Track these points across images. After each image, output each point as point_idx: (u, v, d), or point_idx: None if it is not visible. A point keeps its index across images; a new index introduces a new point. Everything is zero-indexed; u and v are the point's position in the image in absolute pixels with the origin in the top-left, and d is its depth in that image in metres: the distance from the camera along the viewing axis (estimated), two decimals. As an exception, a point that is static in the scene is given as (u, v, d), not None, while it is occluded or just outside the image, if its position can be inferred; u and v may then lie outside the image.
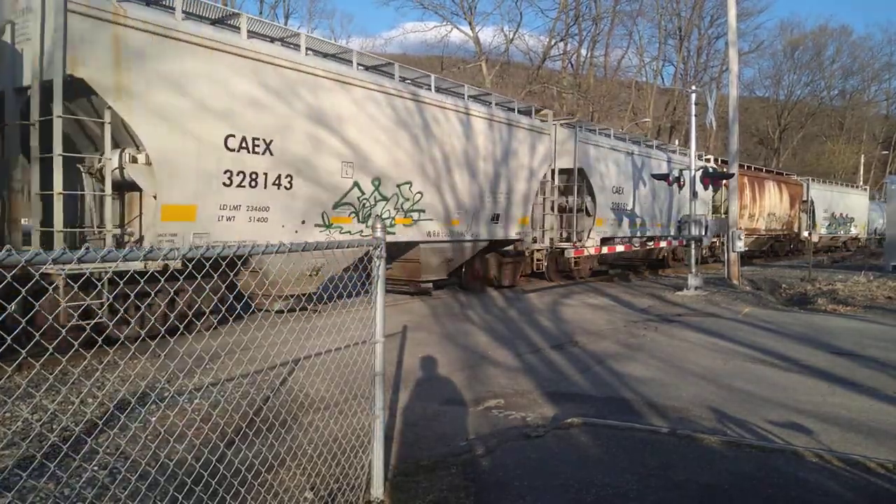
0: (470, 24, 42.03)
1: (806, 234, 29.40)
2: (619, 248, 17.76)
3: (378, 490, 3.50)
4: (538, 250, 15.67)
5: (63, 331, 2.45)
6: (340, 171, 10.05)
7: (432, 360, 7.31)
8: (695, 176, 15.38)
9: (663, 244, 20.73)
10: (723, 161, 23.43)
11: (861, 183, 55.17)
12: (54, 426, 4.84)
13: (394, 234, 10.96)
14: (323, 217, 9.84)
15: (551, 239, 15.97)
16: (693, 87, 18.08)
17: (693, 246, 15.08)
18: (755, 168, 28.46)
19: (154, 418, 4.85)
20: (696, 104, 16.30)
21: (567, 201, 16.24)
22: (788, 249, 30.77)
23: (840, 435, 4.84)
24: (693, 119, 16.19)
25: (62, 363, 2.65)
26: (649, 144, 20.27)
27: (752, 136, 61.71)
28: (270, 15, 40.20)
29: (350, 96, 10.13)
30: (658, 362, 7.33)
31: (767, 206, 27.25)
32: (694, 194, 15.53)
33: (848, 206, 35.13)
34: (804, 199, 30.76)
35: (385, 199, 10.91)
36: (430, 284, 12.75)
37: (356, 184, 10.32)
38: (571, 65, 45.98)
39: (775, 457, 4.12)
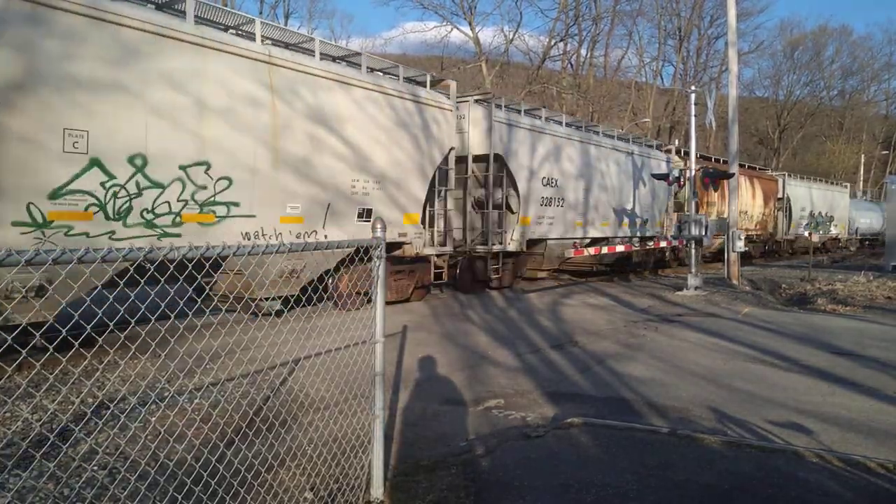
0: (470, 24, 42.05)
1: (786, 233, 28.37)
2: (620, 248, 17.64)
3: (378, 490, 3.50)
4: (439, 256, 12.47)
5: (63, 331, 2.45)
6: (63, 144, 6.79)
7: (432, 359, 7.31)
8: (695, 176, 15.39)
9: (621, 247, 18.48)
10: (702, 156, 23.08)
11: (861, 183, 55.21)
12: (54, 426, 4.84)
13: (178, 235, 7.85)
14: (29, 210, 6.59)
15: (463, 241, 13.83)
16: (693, 88, 18.08)
17: (693, 246, 15.09)
18: (724, 161, 26.51)
19: (154, 418, 4.85)
20: (695, 104, 16.31)
21: (484, 195, 14.00)
22: (763, 251, 28.63)
23: (840, 435, 4.83)
24: (693, 119, 16.20)
25: (62, 363, 2.65)
26: (609, 134, 18.38)
27: (751, 136, 61.73)
28: (270, 15, 40.20)
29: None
30: (658, 362, 7.33)
31: (738, 204, 26.07)
32: (694, 194, 15.54)
33: (827, 205, 33.28)
34: (779, 196, 28.63)
35: (158, 186, 7.66)
36: (278, 304, 9.01)
37: (95, 163, 7.02)
38: (571, 65, 46.00)
39: (775, 457, 4.12)
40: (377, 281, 3.38)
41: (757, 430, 4.89)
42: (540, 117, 15.58)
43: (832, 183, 35.42)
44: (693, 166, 15.57)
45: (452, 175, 12.77)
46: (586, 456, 4.16)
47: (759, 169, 30.98)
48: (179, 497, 3.10)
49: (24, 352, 2.23)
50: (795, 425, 5.01)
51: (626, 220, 18.66)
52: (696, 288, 14.34)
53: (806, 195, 30.95)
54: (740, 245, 16.31)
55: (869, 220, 39.97)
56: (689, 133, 16.23)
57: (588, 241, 16.99)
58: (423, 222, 12.04)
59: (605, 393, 6.02)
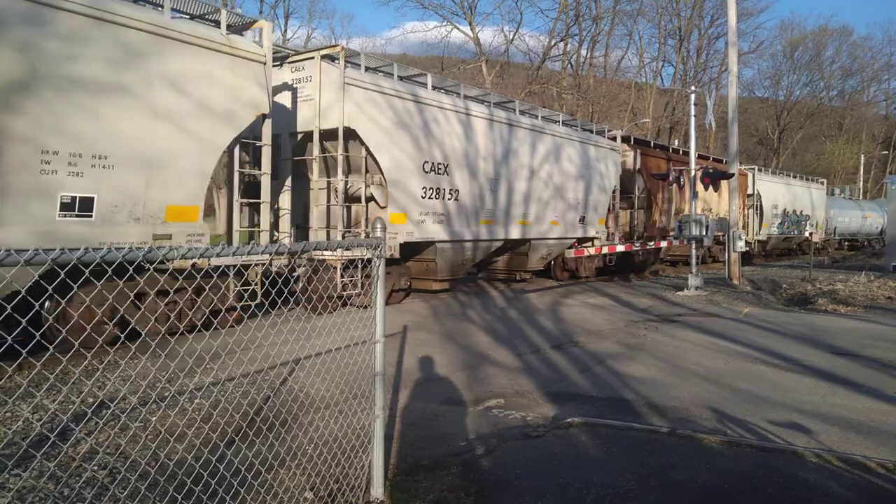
0: (470, 24, 42.05)
1: (757, 233, 26.06)
2: (620, 248, 17.67)
3: (378, 490, 3.50)
4: (245, 268, 9.03)
5: (63, 331, 2.45)
6: None
7: (432, 359, 7.31)
8: (695, 176, 15.39)
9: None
10: (657, 146, 21.61)
11: (861, 183, 55.06)
12: (55, 426, 4.84)
13: None
14: None
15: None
16: (693, 88, 18.08)
17: (693, 246, 15.10)
18: (684, 152, 22.37)
19: (154, 418, 4.85)
20: (695, 104, 16.31)
21: (328, 186, 11.18)
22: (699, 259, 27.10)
23: (840, 435, 4.83)
24: (692, 119, 16.20)
25: (63, 363, 2.66)
26: (530, 113, 15.35)
27: (751, 136, 61.74)
28: (270, 15, 40.21)
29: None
30: (658, 362, 7.33)
31: (700, 201, 21.71)
32: (694, 194, 15.54)
33: (803, 202, 30.49)
34: (749, 192, 25.65)
35: None
36: None
37: None
38: (571, 65, 46.02)
39: (775, 457, 4.12)
40: (377, 281, 3.38)
41: (757, 430, 4.89)
42: (425, 84, 12.39)
43: (808, 179, 32.47)
44: (693, 166, 15.57)
45: (267, 153, 9.46)
46: (586, 456, 4.16)
47: (727, 162, 29.39)
48: (180, 497, 3.10)
49: (24, 352, 2.23)
50: (795, 425, 5.01)
51: (554, 219, 15.84)
52: (696, 288, 14.34)
53: (779, 192, 28.13)
54: (741, 245, 16.31)
55: (847, 219, 36.92)
56: (689, 133, 16.23)
57: (500, 243, 14.19)
58: (228, 220, 9.62)
59: (606, 393, 6.02)
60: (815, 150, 65.74)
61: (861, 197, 49.00)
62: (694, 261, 14.99)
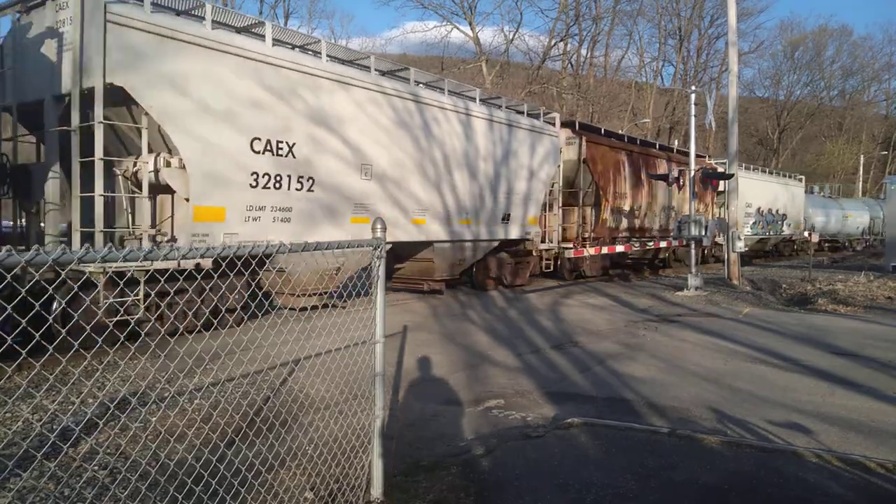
0: (470, 24, 42.07)
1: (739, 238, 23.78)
2: (620, 248, 17.64)
3: (378, 490, 3.50)
4: None
5: (63, 331, 2.45)
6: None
7: (432, 360, 7.31)
8: (695, 176, 15.39)
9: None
10: (609, 133, 18.82)
11: (860, 181, 55.02)
12: (54, 426, 4.84)
13: None
14: None
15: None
16: (693, 88, 18.09)
17: (693, 246, 15.10)
18: (641, 142, 20.64)
19: (154, 418, 4.85)
20: (695, 104, 16.32)
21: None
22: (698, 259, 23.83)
23: (840, 435, 4.84)
24: (692, 119, 16.20)
25: (62, 363, 2.66)
26: (435, 86, 12.45)
27: (751, 136, 61.74)
28: (270, 15, 40.20)
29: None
30: (658, 362, 7.33)
31: (661, 198, 20.07)
32: (693, 194, 15.54)
33: (780, 201, 27.93)
34: (720, 188, 22.35)
35: None
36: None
37: None
38: (571, 65, 46.03)
39: (775, 457, 4.12)
40: (377, 281, 3.38)
41: (757, 430, 4.89)
42: (263, 36, 8.98)
43: (786, 175, 30.17)
44: (693, 166, 15.57)
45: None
46: (586, 456, 4.16)
47: (699, 156, 24.74)
48: (180, 497, 3.10)
49: (23, 352, 2.23)
50: (795, 425, 5.01)
51: (466, 217, 13.02)
52: (696, 288, 14.34)
53: (753, 189, 25.22)
54: (740, 245, 16.31)
55: (825, 218, 34.29)
56: (689, 133, 16.23)
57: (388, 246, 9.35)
58: None
59: (605, 393, 6.02)
60: (815, 151, 65.74)
61: (861, 196, 48.82)
62: (693, 261, 14.99)
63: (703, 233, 14.89)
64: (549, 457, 4.16)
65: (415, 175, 11.60)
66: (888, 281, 15.22)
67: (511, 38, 44.10)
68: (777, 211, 27.53)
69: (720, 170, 22.70)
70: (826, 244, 34.97)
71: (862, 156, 58.13)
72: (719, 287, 15.41)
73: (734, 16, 17.09)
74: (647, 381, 6.42)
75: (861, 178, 56.69)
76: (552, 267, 16.30)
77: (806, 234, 25.92)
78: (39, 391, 5.56)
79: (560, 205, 16.33)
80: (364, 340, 3.54)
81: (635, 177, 18.69)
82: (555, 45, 43.84)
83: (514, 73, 45.36)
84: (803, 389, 6.18)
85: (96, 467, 3.95)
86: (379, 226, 3.38)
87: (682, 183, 16.28)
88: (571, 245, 16.43)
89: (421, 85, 12.21)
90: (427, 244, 12.34)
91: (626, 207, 18.44)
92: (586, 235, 17.03)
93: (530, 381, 6.46)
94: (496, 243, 14.25)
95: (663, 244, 19.85)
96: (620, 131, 23.66)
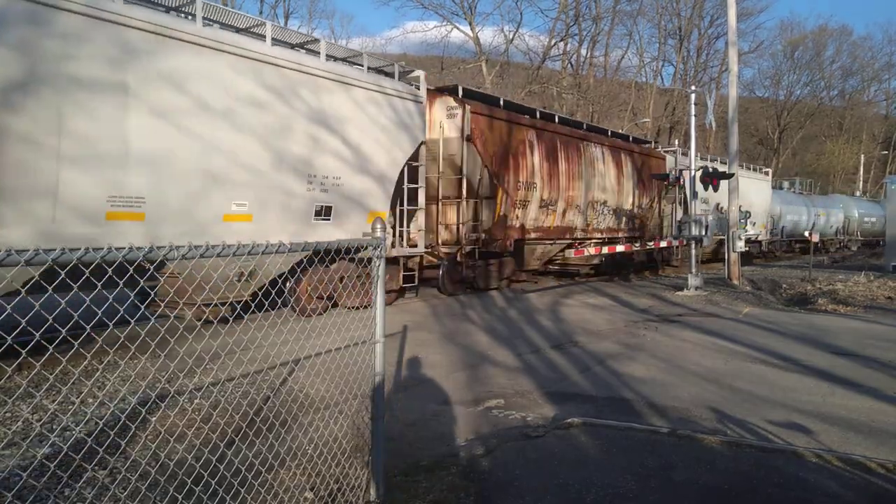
0: (470, 24, 42.05)
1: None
2: (620, 248, 17.54)
3: (378, 490, 3.50)
4: None
5: (63, 331, 2.45)
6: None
7: (432, 359, 7.31)
8: (695, 176, 15.39)
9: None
10: (508, 104, 14.90)
11: (860, 181, 54.95)
12: (54, 426, 4.84)
13: None
14: None
15: None
16: (693, 88, 18.08)
17: (693, 246, 15.10)
18: (564, 119, 17.08)
19: (154, 418, 4.85)
20: (695, 104, 16.32)
21: None
22: (639, 265, 19.47)
23: (840, 435, 4.83)
24: (693, 119, 16.20)
25: (62, 363, 2.65)
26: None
27: (751, 136, 61.74)
28: (270, 14, 40.20)
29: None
30: (658, 362, 7.33)
31: (596, 190, 16.85)
32: (694, 194, 15.53)
33: (743, 196, 21.76)
34: (669, 181, 19.11)
35: None
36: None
37: None
38: (571, 65, 46.01)
39: (775, 457, 4.12)
40: (377, 281, 3.38)
41: (757, 430, 4.89)
42: None
43: (748, 168, 26.34)
44: (693, 166, 15.57)
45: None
46: (586, 456, 4.16)
47: (639, 142, 20.58)
48: (180, 497, 3.10)
49: (24, 352, 2.23)
50: (795, 425, 5.01)
51: (244, 209, 8.73)
52: (696, 288, 14.35)
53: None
54: (741, 245, 16.31)
55: (797, 216, 30.77)
56: (689, 133, 16.23)
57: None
58: None
59: (605, 393, 6.02)
60: (816, 150, 65.74)
61: (862, 196, 48.48)
62: (694, 261, 14.98)
63: (704, 233, 14.90)
64: (549, 457, 4.16)
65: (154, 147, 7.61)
66: (888, 281, 15.22)
67: (511, 38, 44.10)
68: (740, 207, 23.93)
69: (670, 160, 20.49)
70: (797, 244, 31.67)
71: (862, 155, 58.11)
72: (719, 287, 15.41)
73: (734, 16, 17.09)
74: (647, 381, 6.42)
75: (861, 178, 56.66)
76: (416, 279, 12.14)
77: (807, 233, 24.83)
78: (39, 391, 5.56)
79: (441, 197, 13.23)
80: (364, 340, 3.54)
81: (554, 163, 15.14)
82: (555, 45, 43.85)
83: (514, 73, 45.34)
84: (803, 389, 6.18)
85: (96, 467, 3.95)
86: (379, 226, 3.38)
87: (682, 182, 16.24)
88: (455, 249, 13.30)
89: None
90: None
91: (540, 201, 14.69)
92: (477, 237, 13.38)
93: (530, 380, 6.46)
94: (306, 255, 8.64)
95: (619, 248, 16.61)
96: (621, 129, 21.90)
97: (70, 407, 5.23)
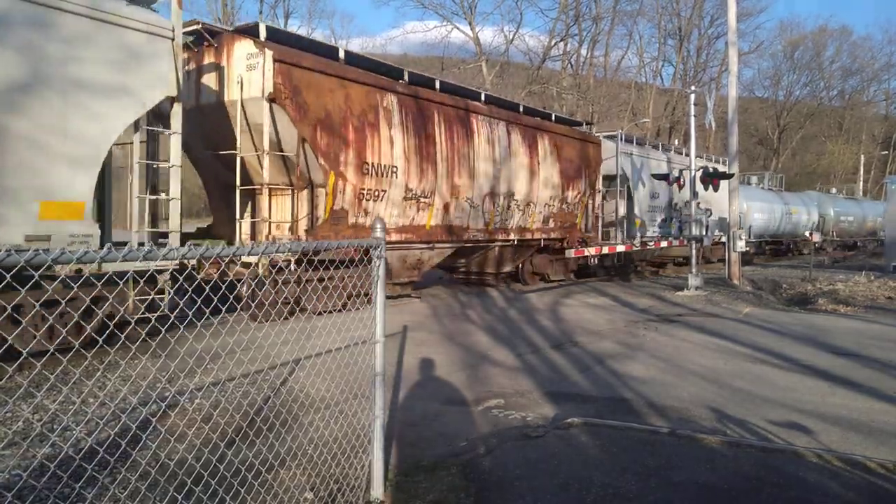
0: (470, 24, 42.09)
1: (626, 237, 17.50)
2: (620, 248, 17.52)
3: (378, 490, 3.50)
4: None
5: (63, 331, 2.45)
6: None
7: (432, 359, 7.31)
8: (695, 176, 15.40)
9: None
10: (351, 57, 10.66)
11: (861, 181, 54.83)
12: (55, 426, 4.85)
13: None
14: None
15: None
16: (692, 88, 18.09)
17: (693, 246, 15.11)
18: (445, 85, 12.89)
19: (155, 418, 4.85)
20: (695, 104, 16.32)
21: None
22: (565, 275, 16.58)
23: (840, 435, 4.83)
24: (692, 119, 16.20)
25: (63, 363, 2.66)
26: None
27: (751, 136, 61.74)
28: (270, 15, 40.20)
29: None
30: (658, 362, 7.33)
31: (499, 181, 13.42)
32: (694, 194, 15.54)
33: (699, 192, 19.08)
34: (611, 172, 16.92)
35: None
36: None
37: None
38: (571, 65, 46.06)
39: (775, 457, 4.12)
40: (377, 281, 3.38)
41: (757, 430, 4.89)
42: None
43: (708, 159, 22.96)
44: (694, 166, 15.57)
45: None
46: (586, 456, 4.16)
47: (566, 122, 16.77)
48: (180, 497, 3.10)
49: (24, 352, 2.23)
50: (796, 425, 5.01)
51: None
52: (696, 288, 14.35)
53: (653, 171, 18.48)
54: (741, 245, 16.31)
55: (766, 214, 27.09)
56: (689, 133, 16.23)
57: None
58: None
59: (606, 393, 6.02)
60: (816, 151, 65.74)
61: (862, 196, 48.28)
62: (694, 261, 14.99)
63: (704, 232, 14.90)
64: (550, 457, 4.16)
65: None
66: (888, 281, 15.22)
67: (511, 38, 44.17)
68: (698, 204, 20.83)
69: (608, 146, 17.19)
70: (767, 246, 29.31)
71: (862, 156, 58.09)
72: (719, 287, 15.41)
73: (734, 16, 17.09)
74: (648, 381, 6.42)
75: (861, 178, 56.65)
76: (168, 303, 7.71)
77: (807, 233, 23.89)
78: (40, 391, 5.56)
79: (267, 184, 9.56)
80: (364, 340, 3.54)
81: (428, 142, 11.56)
82: (555, 45, 43.89)
83: (514, 73, 45.38)
84: (804, 389, 6.18)
85: (96, 467, 3.95)
86: (379, 225, 3.38)
87: (682, 182, 16.21)
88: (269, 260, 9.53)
89: None
90: None
91: (405, 192, 11.29)
92: (304, 231, 9.99)
93: (530, 380, 6.46)
94: None
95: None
96: (621, 129, 19.52)
97: (70, 407, 5.23)
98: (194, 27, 9.51)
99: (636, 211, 18.03)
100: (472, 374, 6.69)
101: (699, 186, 15.17)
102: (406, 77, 11.87)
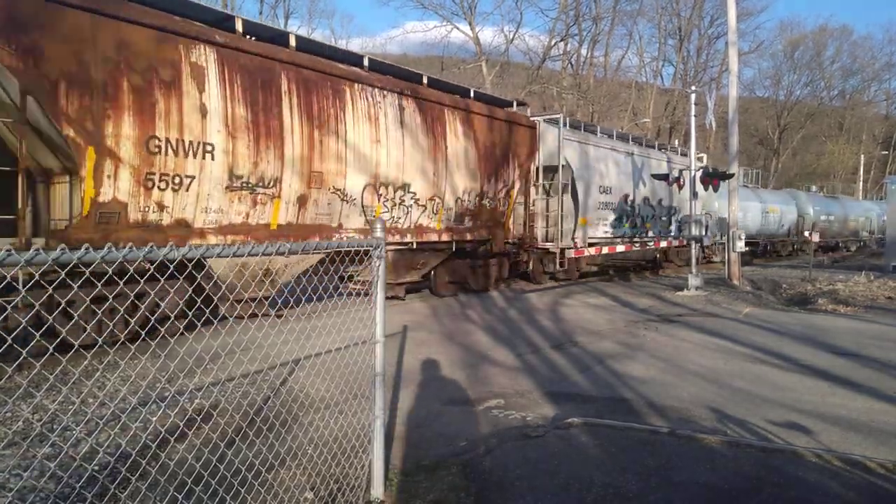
0: (470, 24, 42.04)
1: (572, 237, 15.12)
2: (620, 248, 17.52)
3: (378, 490, 3.50)
4: None
5: (63, 331, 2.45)
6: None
7: (433, 359, 7.31)
8: (695, 176, 15.39)
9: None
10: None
11: (861, 181, 54.75)
12: (55, 426, 4.84)
13: None
14: None
15: None
16: (693, 88, 18.08)
17: (693, 246, 15.10)
18: (302, 42, 9.76)
19: (155, 418, 4.85)
20: (695, 104, 16.31)
21: None
22: (477, 284, 13.66)
23: (840, 435, 4.83)
24: (693, 119, 16.19)
25: (62, 363, 2.65)
26: None
27: (751, 136, 61.71)
28: (270, 15, 40.17)
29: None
30: (658, 362, 7.33)
31: (389, 168, 10.62)
32: (694, 194, 15.53)
33: (657, 188, 18.53)
34: (552, 163, 14.55)
35: None
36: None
37: None
38: (571, 65, 46.03)
39: (775, 457, 4.12)
40: (377, 281, 3.38)
41: (757, 430, 4.89)
42: None
43: (669, 150, 20.59)
44: (694, 166, 15.56)
45: None
46: (586, 456, 4.16)
47: (488, 100, 13.87)
48: (180, 497, 3.10)
49: (24, 352, 2.23)
50: (796, 425, 5.01)
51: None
52: (696, 288, 14.34)
53: (612, 165, 16.67)
54: (741, 245, 16.30)
55: (741, 213, 20.69)
56: (689, 133, 16.22)
57: None
58: None
59: (606, 393, 6.02)
60: (816, 151, 65.73)
61: (862, 197, 48.12)
62: (694, 261, 14.99)
63: (704, 232, 14.89)
64: (550, 456, 4.16)
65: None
66: (888, 281, 15.21)
67: (511, 38, 44.13)
68: (660, 201, 18.40)
69: (550, 131, 14.69)
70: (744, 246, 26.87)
71: (862, 156, 58.07)
72: (719, 287, 15.40)
73: (734, 16, 17.08)
74: (648, 381, 6.42)
75: (861, 178, 56.64)
76: None
77: (806, 233, 23.43)
78: (40, 391, 5.56)
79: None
80: (364, 340, 3.54)
81: (268, 113, 8.69)
82: (555, 45, 43.84)
83: (514, 73, 45.35)
84: (804, 389, 6.18)
85: (96, 467, 3.95)
86: (379, 225, 3.38)
87: (682, 182, 16.19)
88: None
89: None
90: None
91: (229, 178, 8.28)
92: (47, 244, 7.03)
93: (530, 380, 6.46)
94: None
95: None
96: (621, 129, 19.02)
97: (70, 407, 5.23)
98: None
99: (586, 206, 15.72)
100: (472, 374, 6.69)
101: (658, 184, 14.82)
102: (240, 27, 8.87)
